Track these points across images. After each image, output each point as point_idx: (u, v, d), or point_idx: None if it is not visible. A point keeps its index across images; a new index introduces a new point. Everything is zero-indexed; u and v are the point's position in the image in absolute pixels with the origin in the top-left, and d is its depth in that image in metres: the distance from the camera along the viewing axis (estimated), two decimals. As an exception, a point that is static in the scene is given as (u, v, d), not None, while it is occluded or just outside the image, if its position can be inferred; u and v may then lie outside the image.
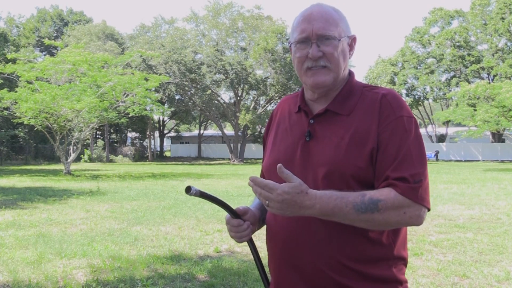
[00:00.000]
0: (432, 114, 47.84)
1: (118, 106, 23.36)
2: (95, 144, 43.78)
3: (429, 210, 1.37)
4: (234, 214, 1.52)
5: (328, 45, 1.43)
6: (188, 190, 1.38)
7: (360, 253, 1.38)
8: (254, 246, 1.59)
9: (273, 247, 1.53)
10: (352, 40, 1.51)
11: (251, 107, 41.06)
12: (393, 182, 1.33)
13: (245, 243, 1.59)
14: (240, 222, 1.51)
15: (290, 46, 1.52)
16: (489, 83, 34.18)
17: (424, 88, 46.11)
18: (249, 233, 1.54)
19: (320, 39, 1.43)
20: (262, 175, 1.67)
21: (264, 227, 1.65)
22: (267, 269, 1.61)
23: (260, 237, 1.77)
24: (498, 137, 42.07)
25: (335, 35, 1.43)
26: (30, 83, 21.48)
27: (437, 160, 40.74)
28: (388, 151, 1.36)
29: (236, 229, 1.52)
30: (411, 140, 1.37)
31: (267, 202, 1.30)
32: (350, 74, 1.54)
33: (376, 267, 1.40)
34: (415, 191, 1.32)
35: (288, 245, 1.45)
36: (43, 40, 32.08)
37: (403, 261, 1.47)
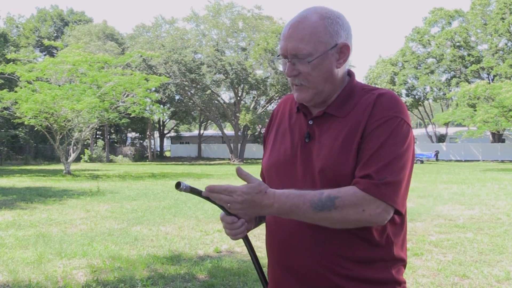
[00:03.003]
0: (432, 114, 47.75)
1: (118, 106, 23.37)
2: (95, 144, 43.76)
3: (398, 211, 1.33)
4: (228, 211, 1.51)
5: (303, 63, 1.40)
6: (178, 185, 1.36)
7: (358, 255, 1.37)
8: (250, 243, 1.58)
9: (271, 248, 1.53)
10: (341, 48, 1.41)
11: (251, 107, 41.06)
12: (357, 180, 1.31)
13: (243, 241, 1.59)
14: (234, 219, 1.49)
15: None
16: (489, 83, 34.18)
17: (424, 88, 46.08)
18: (244, 230, 1.52)
19: (294, 59, 1.41)
20: (262, 175, 1.67)
21: (262, 225, 1.65)
22: (265, 269, 1.61)
23: (260, 237, 1.77)
24: (498, 137, 42.05)
25: (310, 53, 1.38)
26: (30, 83, 21.48)
27: (437, 160, 40.70)
28: (365, 149, 1.34)
29: (230, 226, 1.50)
30: (391, 140, 1.33)
31: (228, 204, 1.30)
32: (350, 75, 1.50)
33: (374, 269, 1.39)
34: (377, 187, 1.28)
35: (286, 247, 1.44)
36: (43, 40, 32.08)
37: (402, 262, 1.46)
